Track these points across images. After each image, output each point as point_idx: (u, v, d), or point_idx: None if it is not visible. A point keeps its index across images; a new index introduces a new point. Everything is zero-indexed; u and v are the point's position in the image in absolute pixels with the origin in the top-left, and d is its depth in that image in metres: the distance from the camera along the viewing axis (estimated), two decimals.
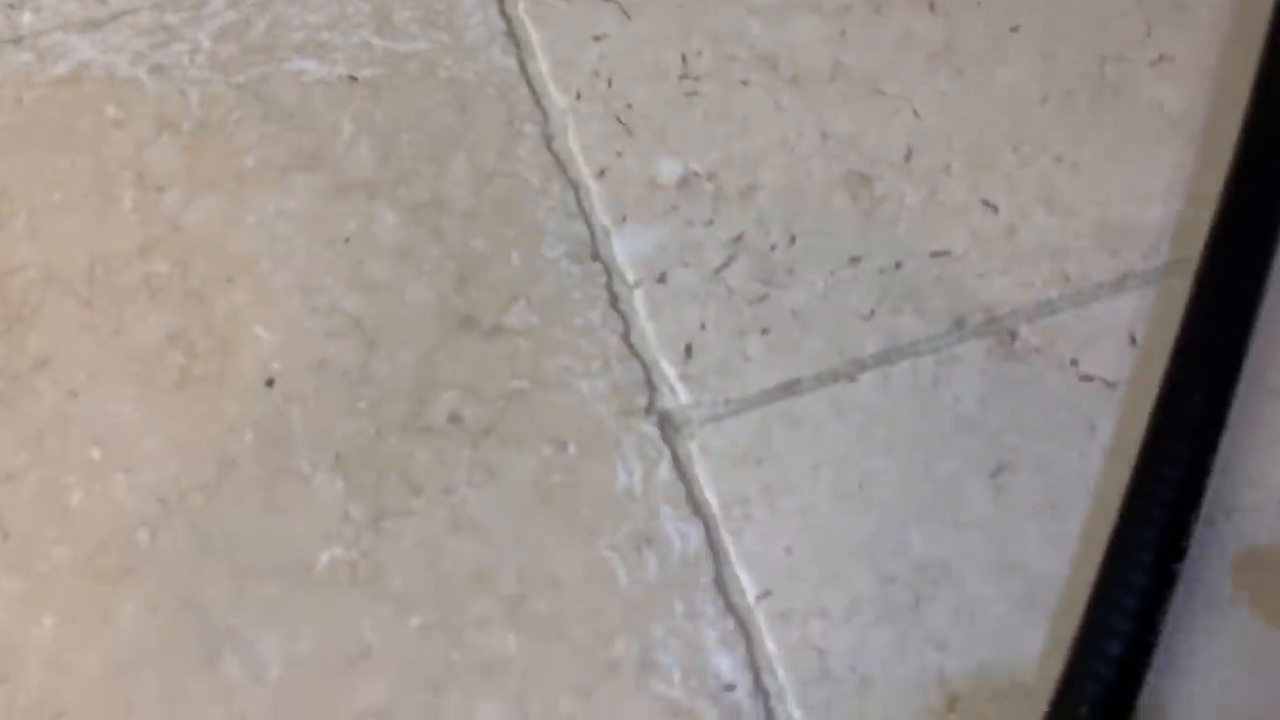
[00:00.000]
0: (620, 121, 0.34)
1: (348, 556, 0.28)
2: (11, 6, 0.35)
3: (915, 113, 0.34)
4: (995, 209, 0.32)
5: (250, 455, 0.29)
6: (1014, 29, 0.35)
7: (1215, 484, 0.27)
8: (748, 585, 0.27)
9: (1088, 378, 0.30)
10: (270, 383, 0.30)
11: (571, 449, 0.29)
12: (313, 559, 0.28)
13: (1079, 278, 0.31)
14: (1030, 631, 0.26)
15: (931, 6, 0.35)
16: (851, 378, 0.30)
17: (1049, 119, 0.34)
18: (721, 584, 0.27)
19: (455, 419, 0.29)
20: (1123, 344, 0.30)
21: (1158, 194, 0.32)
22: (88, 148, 0.33)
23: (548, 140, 0.33)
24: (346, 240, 0.32)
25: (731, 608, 0.27)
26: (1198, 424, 0.24)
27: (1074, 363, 0.30)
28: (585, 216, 0.32)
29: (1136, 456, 0.26)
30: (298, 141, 0.33)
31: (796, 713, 0.26)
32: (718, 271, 0.31)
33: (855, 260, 0.32)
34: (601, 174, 0.33)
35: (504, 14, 0.34)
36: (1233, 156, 0.30)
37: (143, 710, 0.26)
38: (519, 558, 0.28)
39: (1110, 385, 0.30)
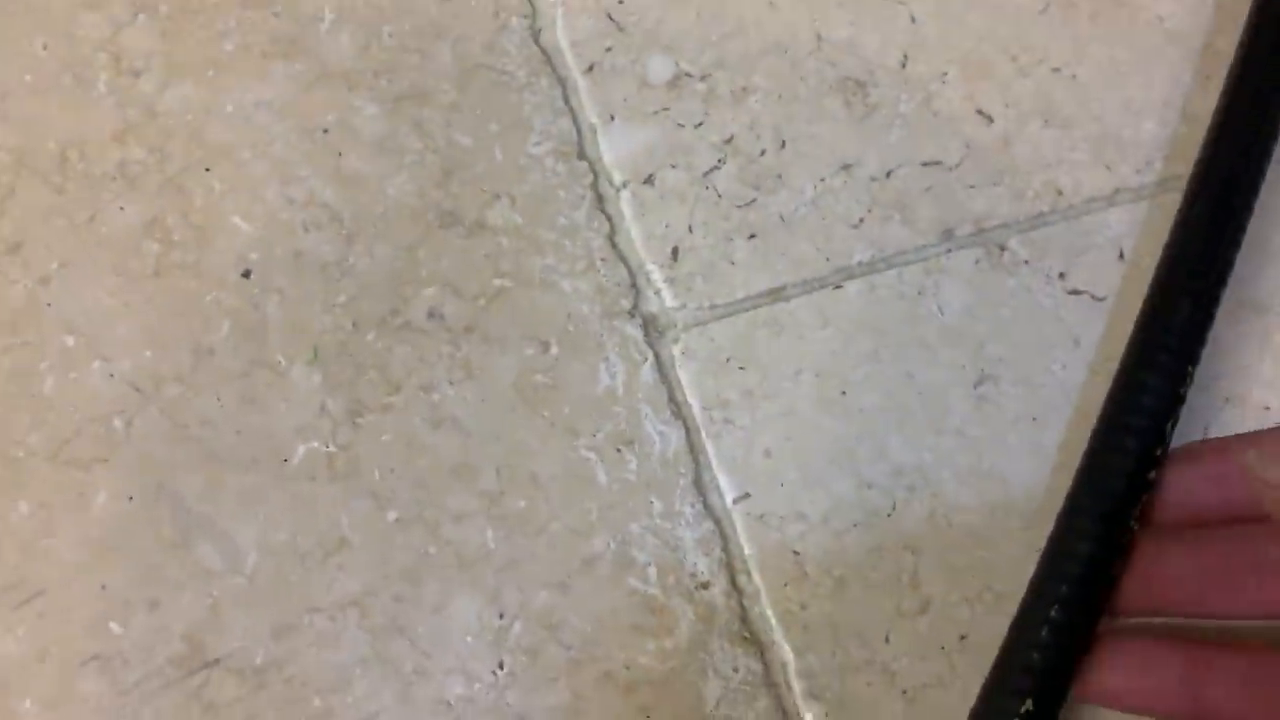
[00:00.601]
0: (611, 18, 0.33)
1: (325, 450, 0.27)
2: None
3: (913, 18, 0.33)
4: (990, 119, 0.32)
5: (226, 346, 0.29)
6: None
7: (1194, 399, 0.27)
8: (726, 487, 0.27)
9: (1075, 291, 0.30)
10: (247, 274, 0.29)
11: (554, 349, 0.29)
12: (289, 452, 0.27)
13: (1071, 192, 0.31)
14: (1005, 538, 0.27)
15: None
16: (837, 285, 0.30)
17: (1049, 29, 0.33)
18: (700, 485, 0.27)
19: (435, 316, 0.29)
20: (1111, 259, 0.30)
21: (1154, 109, 0.32)
22: (60, 29, 0.32)
23: (535, 34, 0.32)
24: (325, 131, 0.31)
25: (709, 509, 0.27)
26: (1181, 334, 0.24)
27: (1062, 276, 0.30)
28: (572, 114, 0.31)
29: (1119, 363, 0.25)
30: (277, 28, 0.32)
31: (770, 612, 0.26)
32: (706, 174, 0.31)
33: (846, 167, 0.31)
34: (590, 70, 0.32)
35: None
36: (1228, 75, 0.30)
37: (118, 591, 0.26)
38: (498, 455, 0.28)
39: (1097, 299, 0.30)
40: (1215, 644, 0.21)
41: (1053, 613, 0.22)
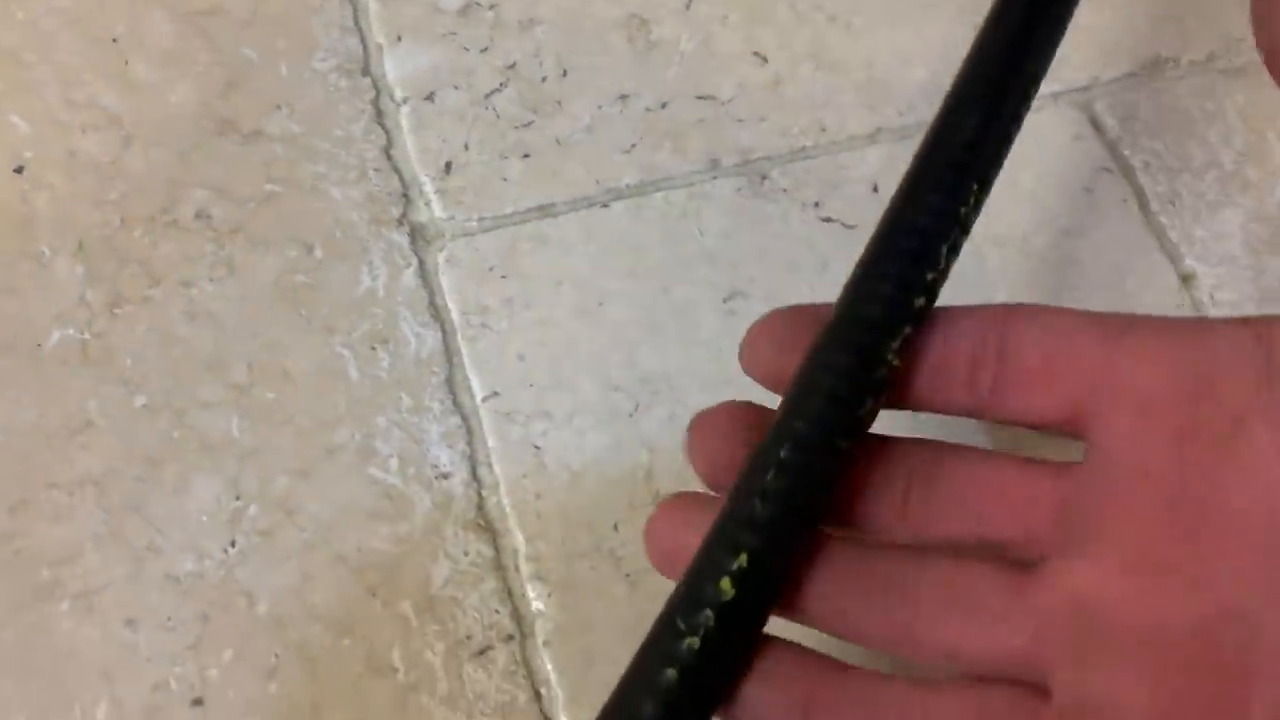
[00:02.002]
0: None
1: (80, 337, 0.28)
2: None
3: None
4: (765, 60, 0.33)
5: None
6: None
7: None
8: (477, 386, 0.28)
9: (828, 219, 0.31)
10: (19, 170, 0.30)
11: (318, 252, 0.29)
12: (44, 337, 0.28)
13: (835, 129, 0.33)
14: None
15: None
16: (605, 205, 0.31)
17: None
18: (452, 384, 0.28)
19: (203, 216, 0.30)
20: (866, 192, 0.32)
21: (922, 58, 0.34)
22: None
23: None
24: (115, 40, 0.32)
25: (458, 406, 0.28)
26: (968, 150, 0.21)
27: (817, 205, 0.31)
28: (361, 34, 0.32)
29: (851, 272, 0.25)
30: None
31: (506, 501, 0.27)
32: (487, 96, 0.32)
33: (623, 98, 0.32)
34: None
35: None
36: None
37: None
38: (252, 350, 0.28)
39: (848, 228, 0.31)
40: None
41: (782, 454, 0.19)
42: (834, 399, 0.19)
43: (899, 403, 0.20)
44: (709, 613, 0.18)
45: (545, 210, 0.31)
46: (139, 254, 0.29)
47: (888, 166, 0.32)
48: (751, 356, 0.21)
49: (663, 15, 0.34)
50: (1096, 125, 0.34)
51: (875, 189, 0.32)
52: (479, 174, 0.31)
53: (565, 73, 0.32)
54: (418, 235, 0.30)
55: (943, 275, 0.20)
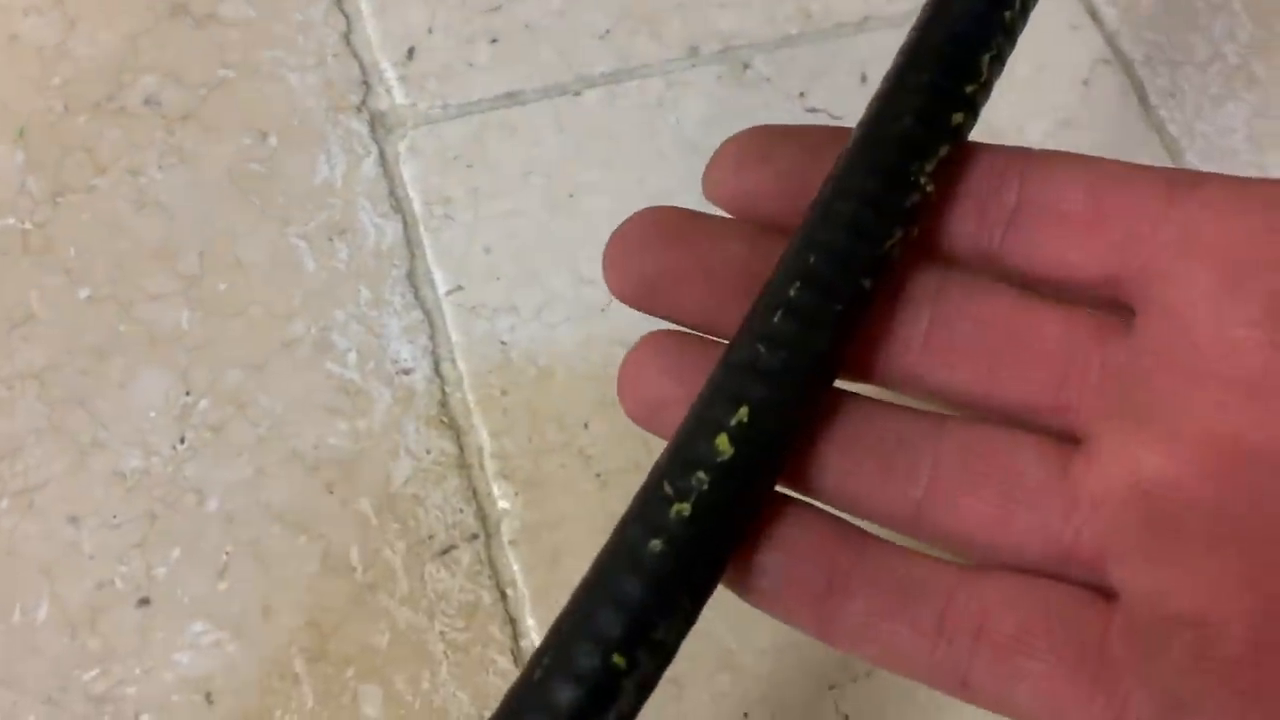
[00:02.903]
0: None
1: (20, 227, 0.26)
2: None
3: None
4: None
5: None
6: None
7: None
8: (440, 280, 0.27)
9: (813, 110, 0.30)
10: None
11: (273, 140, 0.28)
12: None
13: (821, 16, 0.31)
14: None
15: None
16: (577, 93, 0.29)
17: None
18: (413, 278, 0.27)
19: (152, 102, 0.28)
20: (854, 81, 0.30)
21: None
22: None
23: None
24: None
25: (420, 300, 0.27)
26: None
27: (802, 95, 0.30)
28: None
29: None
30: None
31: (470, 397, 0.26)
32: None
33: None
34: None
35: None
36: None
37: None
38: (203, 240, 0.27)
39: (834, 118, 0.30)
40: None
41: (792, 292, 0.16)
42: (856, 229, 0.16)
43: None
44: (702, 475, 0.15)
45: (513, 98, 0.29)
46: (84, 141, 0.27)
47: (877, 55, 0.30)
48: (714, 177, 0.18)
49: None
50: (1094, 16, 0.32)
51: (864, 79, 0.30)
52: (443, 59, 0.29)
53: None
54: (378, 123, 0.28)
55: (985, 89, 0.17)
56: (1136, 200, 0.16)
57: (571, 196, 0.28)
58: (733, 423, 0.16)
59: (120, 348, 0.25)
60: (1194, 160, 0.30)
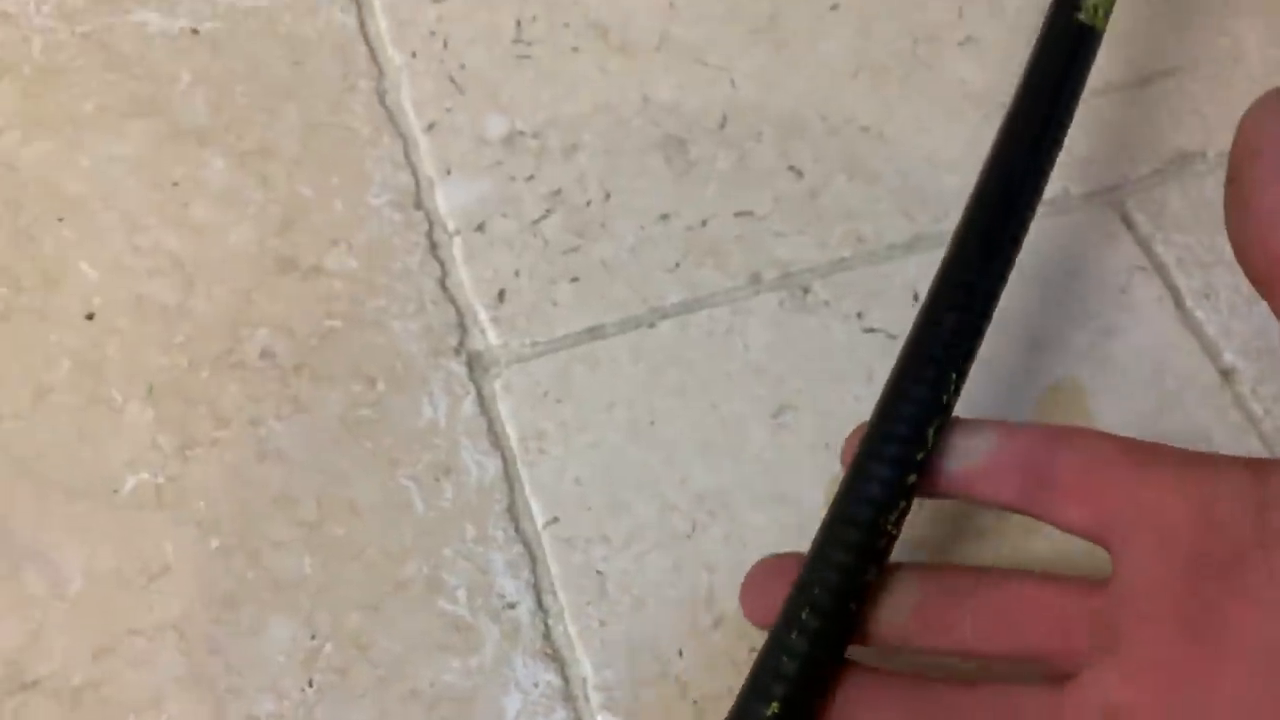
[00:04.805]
0: (453, 80, 0.35)
1: (154, 481, 0.29)
2: None
3: (733, 83, 0.36)
4: (800, 173, 0.34)
5: (66, 384, 0.30)
6: (834, 7, 0.37)
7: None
8: (537, 513, 0.29)
9: (871, 330, 0.32)
10: (90, 316, 0.31)
11: (380, 385, 0.30)
12: (119, 483, 0.29)
13: (873, 238, 0.33)
14: None
15: None
16: (652, 325, 0.32)
17: (860, 92, 0.36)
18: (513, 512, 0.29)
19: (267, 355, 0.31)
20: (907, 300, 0.32)
21: (953, 163, 0.35)
22: None
23: (381, 95, 0.35)
24: (175, 184, 0.33)
25: (520, 533, 0.29)
26: (945, 349, 0.25)
27: (859, 316, 0.32)
28: (412, 168, 0.34)
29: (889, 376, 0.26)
30: (136, 90, 0.34)
31: (573, 629, 0.28)
32: (535, 223, 0.33)
33: (665, 217, 0.33)
34: (431, 128, 0.34)
35: None
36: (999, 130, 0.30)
37: None
38: (320, 486, 0.29)
39: (891, 337, 0.32)
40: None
41: (804, 614, 0.23)
42: (844, 570, 0.23)
43: (962, 498, 0.25)
44: None
45: (595, 332, 0.32)
46: (207, 395, 0.30)
47: (928, 273, 0.33)
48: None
49: (698, 135, 0.35)
50: (1128, 222, 0.34)
51: (916, 297, 0.32)
52: (530, 300, 0.32)
53: (608, 195, 0.34)
54: (474, 364, 0.31)
55: (931, 452, 0.24)
56: (1111, 478, 0.23)
57: (652, 424, 0.30)
58: (768, 714, 0.23)
59: (249, 595, 0.28)
60: (1233, 359, 0.32)
